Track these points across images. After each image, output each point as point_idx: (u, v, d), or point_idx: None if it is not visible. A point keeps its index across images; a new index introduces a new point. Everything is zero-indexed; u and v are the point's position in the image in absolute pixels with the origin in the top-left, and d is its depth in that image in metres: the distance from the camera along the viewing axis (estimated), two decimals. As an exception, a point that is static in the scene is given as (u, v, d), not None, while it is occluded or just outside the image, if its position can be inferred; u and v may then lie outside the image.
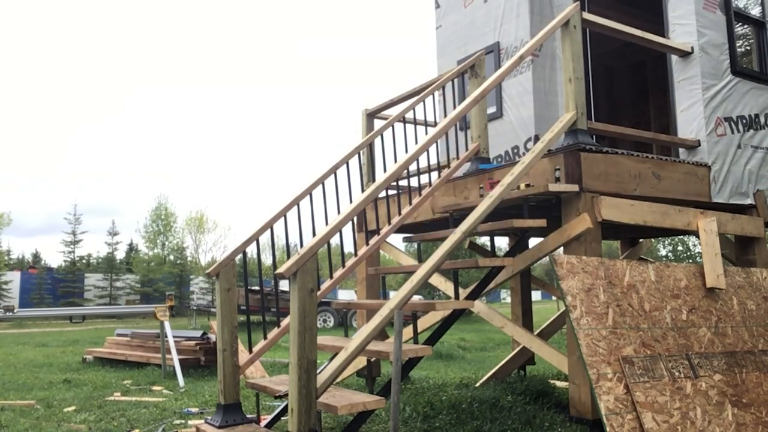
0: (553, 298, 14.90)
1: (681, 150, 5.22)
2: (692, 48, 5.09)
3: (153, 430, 5.02)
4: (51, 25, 67.69)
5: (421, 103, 5.40)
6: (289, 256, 4.83)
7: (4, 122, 59.27)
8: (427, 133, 4.77)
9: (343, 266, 4.70)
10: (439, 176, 5.17)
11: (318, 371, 3.07)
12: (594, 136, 4.63)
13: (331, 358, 3.53)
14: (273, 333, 4.37)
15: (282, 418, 4.21)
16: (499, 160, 5.79)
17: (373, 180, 6.12)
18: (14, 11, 60.45)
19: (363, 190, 5.59)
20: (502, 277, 4.74)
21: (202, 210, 50.54)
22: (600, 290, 3.93)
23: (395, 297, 3.39)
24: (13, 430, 5.14)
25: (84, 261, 35.83)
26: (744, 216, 5.29)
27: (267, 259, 27.43)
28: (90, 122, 66.42)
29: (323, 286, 4.53)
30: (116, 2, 68.07)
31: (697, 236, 4.74)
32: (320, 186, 4.60)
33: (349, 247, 5.62)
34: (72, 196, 63.20)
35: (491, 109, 5.75)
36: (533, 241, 4.96)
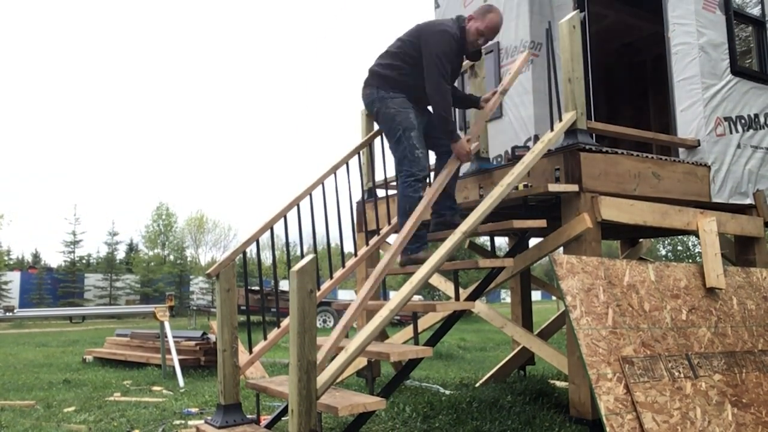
0: (553, 298, 14.89)
1: (681, 150, 5.23)
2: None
3: (153, 431, 5.02)
4: (52, 23, 67.72)
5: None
6: (288, 257, 4.85)
7: (4, 122, 59.29)
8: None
9: (343, 266, 4.70)
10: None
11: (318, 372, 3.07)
12: (594, 136, 4.63)
13: (331, 359, 3.52)
14: (273, 333, 4.37)
15: (282, 419, 4.21)
16: (499, 160, 5.79)
17: (373, 180, 6.12)
18: (15, 11, 60.43)
19: (363, 190, 5.60)
20: (502, 278, 4.74)
21: (202, 210, 50.58)
22: (600, 290, 3.93)
23: (395, 297, 3.39)
24: (13, 430, 5.14)
25: (84, 261, 35.83)
26: (744, 216, 5.29)
27: (267, 260, 27.42)
28: (90, 121, 66.45)
29: (323, 287, 4.53)
30: (117, 1, 68.09)
31: (697, 236, 4.74)
32: (320, 186, 4.60)
33: (349, 248, 5.63)
34: (72, 196, 63.26)
35: (491, 109, 5.74)
36: (533, 241, 4.97)
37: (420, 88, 4.15)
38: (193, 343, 9.31)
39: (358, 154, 5.02)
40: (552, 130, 4.32)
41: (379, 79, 4.28)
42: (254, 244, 4.30)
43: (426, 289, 18.78)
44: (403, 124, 4.18)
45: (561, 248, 4.41)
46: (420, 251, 4.13)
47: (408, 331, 5.70)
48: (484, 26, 4.23)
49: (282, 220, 4.37)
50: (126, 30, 69.96)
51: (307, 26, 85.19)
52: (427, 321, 5.40)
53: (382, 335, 5.86)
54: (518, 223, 4.00)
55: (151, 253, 38.57)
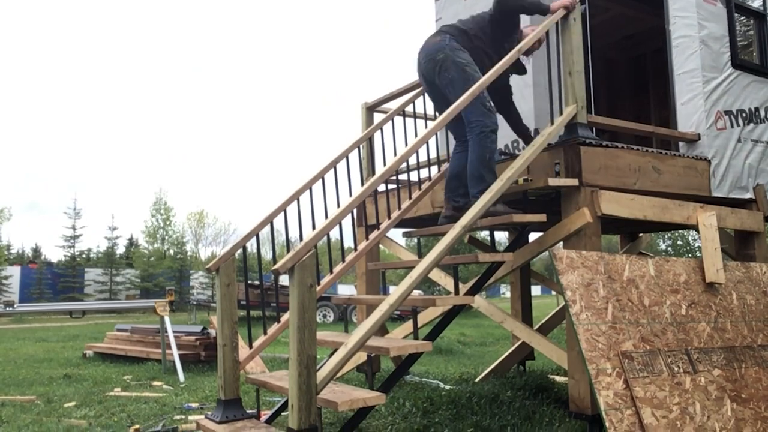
0: (553, 292, 14.90)
1: (681, 144, 5.21)
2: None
3: (153, 426, 5.03)
4: (52, 21, 67.51)
5: (421, 97, 5.38)
6: (289, 251, 4.83)
7: (5, 118, 59.18)
8: (427, 127, 4.75)
9: (343, 261, 4.70)
10: (439, 170, 5.16)
11: (318, 367, 3.07)
12: (594, 130, 4.61)
13: (331, 354, 3.52)
14: (273, 328, 4.37)
15: (282, 414, 4.21)
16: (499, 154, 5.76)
17: (373, 174, 6.11)
18: (14, 11, 60.25)
19: (363, 185, 5.58)
20: (502, 272, 4.73)
21: (203, 205, 50.56)
22: (599, 285, 3.92)
23: (395, 292, 3.38)
24: (13, 426, 5.14)
25: (84, 256, 35.84)
26: (744, 210, 5.28)
27: (267, 254, 27.44)
28: (91, 116, 66.33)
29: (323, 281, 4.53)
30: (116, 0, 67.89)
31: (697, 231, 4.74)
32: (320, 180, 4.59)
33: (349, 242, 5.62)
34: (72, 190, 63.22)
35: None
36: (533, 236, 4.96)
37: (487, 63, 4.23)
38: (193, 338, 9.32)
39: (358, 148, 5.01)
40: (552, 123, 4.31)
41: (456, 32, 4.28)
42: (254, 238, 4.29)
43: (426, 283, 18.77)
44: (475, 76, 4.08)
45: (561, 243, 4.40)
46: (499, 204, 4.12)
47: (408, 326, 5.70)
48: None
49: (282, 214, 4.36)
50: (127, 26, 69.77)
51: (307, 24, 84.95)
52: (426, 316, 5.40)
53: (381, 330, 5.86)
54: (518, 218, 3.99)
55: (151, 247, 38.57)
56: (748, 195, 5.40)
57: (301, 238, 4.52)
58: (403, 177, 5.60)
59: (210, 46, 75.26)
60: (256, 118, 77.86)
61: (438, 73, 4.23)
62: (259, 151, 78.14)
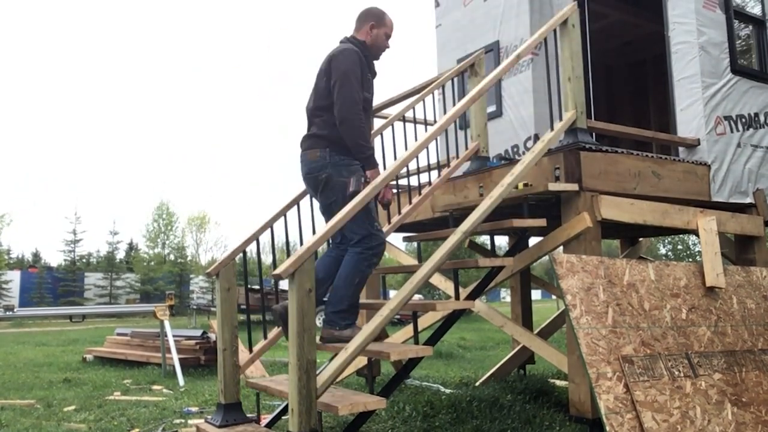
0: (553, 297, 14.91)
1: (681, 149, 5.23)
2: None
3: (153, 430, 5.03)
4: (51, 23, 67.70)
5: (421, 102, 5.40)
6: (289, 256, 4.83)
7: (5, 121, 59.28)
8: (427, 132, 4.77)
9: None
10: (439, 175, 5.17)
11: (318, 371, 3.07)
12: (594, 135, 4.63)
13: (331, 358, 3.53)
14: (273, 332, 4.38)
15: (282, 418, 4.21)
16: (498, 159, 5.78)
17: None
18: (14, 11, 60.44)
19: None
20: (502, 277, 4.74)
21: (204, 210, 50.60)
22: (600, 289, 3.93)
23: (396, 297, 3.39)
24: (13, 430, 5.14)
25: (84, 260, 35.84)
26: (744, 215, 5.29)
27: (267, 259, 27.43)
28: (92, 120, 66.43)
29: (323, 286, 4.52)
30: (118, 1, 68.09)
31: (697, 235, 4.75)
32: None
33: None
34: (73, 194, 63.24)
35: (491, 108, 5.75)
36: (533, 240, 4.97)
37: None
38: (193, 342, 9.32)
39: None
40: (552, 129, 4.32)
41: (329, 141, 3.72)
42: (254, 243, 4.30)
43: (426, 288, 18.77)
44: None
45: (561, 247, 4.41)
46: (348, 329, 3.62)
47: (408, 330, 5.70)
48: (389, 28, 3.97)
49: (282, 219, 4.37)
50: (128, 29, 69.96)
51: (307, 24, 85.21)
52: (427, 320, 5.40)
53: (382, 334, 5.86)
54: (518, 222, 4.00)
55: (151, 252, 38.58)
56: (748, 200, 5.42)
57: (301, 243, 4.53)
58: (403, 182, 5.61)
59: (210, 46, 75.40)
60: (256, 118, 77.97)
61: (321, 191, 3.79)
62: (259, 152, 78.24)
